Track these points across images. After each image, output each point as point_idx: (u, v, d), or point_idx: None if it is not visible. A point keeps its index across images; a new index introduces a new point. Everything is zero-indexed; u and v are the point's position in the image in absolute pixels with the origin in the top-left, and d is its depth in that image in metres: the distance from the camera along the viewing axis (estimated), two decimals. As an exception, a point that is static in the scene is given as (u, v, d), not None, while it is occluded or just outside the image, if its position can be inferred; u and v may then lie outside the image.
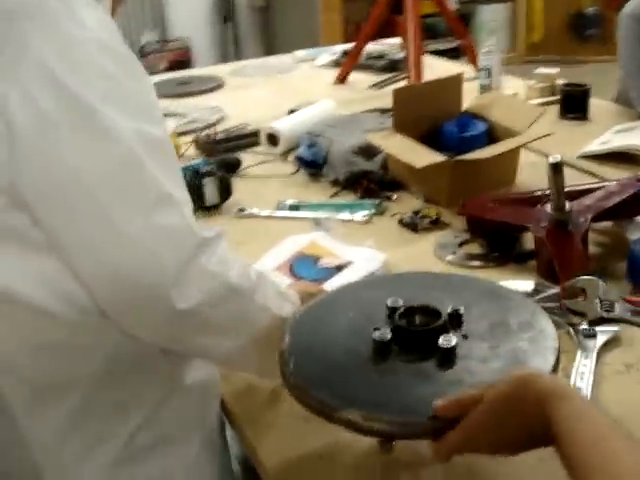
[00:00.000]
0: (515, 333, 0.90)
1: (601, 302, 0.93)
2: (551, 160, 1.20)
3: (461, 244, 1.45)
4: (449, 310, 0.91)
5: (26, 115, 0.84)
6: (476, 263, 1.39)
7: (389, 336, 0.88)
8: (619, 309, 0.92)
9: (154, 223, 0.86)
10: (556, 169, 1.21)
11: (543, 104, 2.30)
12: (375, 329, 0.90)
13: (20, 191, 0.87)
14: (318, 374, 0.87)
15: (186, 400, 1.05)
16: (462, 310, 0.91)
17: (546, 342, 0.87)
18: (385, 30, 3.01)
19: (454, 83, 1.82)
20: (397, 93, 1.69)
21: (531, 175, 1.73)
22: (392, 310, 0.92)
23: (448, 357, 0.86)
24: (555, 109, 2.24)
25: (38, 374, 0.97)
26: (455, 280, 1.08)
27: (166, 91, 2.83)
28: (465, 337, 0.90)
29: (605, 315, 0.90)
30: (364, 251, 1.38)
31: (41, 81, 0.84)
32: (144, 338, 0.94)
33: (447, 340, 0.87)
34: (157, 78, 3.10)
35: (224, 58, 6.35)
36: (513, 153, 1.70)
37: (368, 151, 1.74)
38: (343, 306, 1.00)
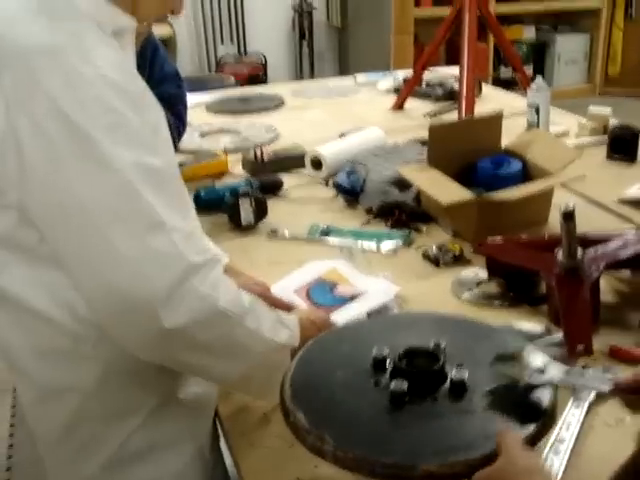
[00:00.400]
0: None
1: (531, 367, 0.94)
2: (563, 209, 1.22)
3: (479, 282, 1.47)
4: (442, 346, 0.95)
5: (35, 144, 0.93)
6: (491, 302, 1.41)
7: (405, 386, 0.91)
8: (551, 371, 0.93)
9: (146, 247, 0.94)
10: (568, 218, 1.23)
11: (592, 144, 2.30)
12: (378, 375, 0.94)
13: (28, 210, 0.97)
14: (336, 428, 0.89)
15: (180, 412, 1.13)
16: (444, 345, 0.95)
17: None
18: (453, 56, 3.01)
19: (494, 121, 1.84)
20: (433, 130, 1.73)
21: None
22: (398, 358, 0.95)
23: (460, 389, 0.91)
24: (604, 150, 2.23)
25: (42, 377, 1.08)
26: (450, 321, 1.11)
27: (227, 107, 2.92)
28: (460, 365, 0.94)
29: (533, 381, 0.92)
30: (379, 282, 1.42)
31: (49, 114, 0.92)
32: (135, 353, 1.01)
33: (459, 373, 0.91)
34: (222, 94, 3.20)
35: (299, 75, 6.46)
36: (546, 193, 1.71)
37: (403, 182, 1.77)
38: (348, 344, 1.04)
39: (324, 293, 1.41)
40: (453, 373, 0.92)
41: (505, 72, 5.98)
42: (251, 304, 1.06)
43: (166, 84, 2.09)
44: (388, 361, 0.95)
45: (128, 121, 0.96)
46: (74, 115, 0.92)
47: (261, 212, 1.77)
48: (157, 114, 1.07)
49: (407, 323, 1.12)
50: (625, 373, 1.12)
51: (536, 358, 0.96)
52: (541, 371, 0.92)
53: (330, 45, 6.64)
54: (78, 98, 0.93)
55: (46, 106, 0.92)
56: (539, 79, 2.30)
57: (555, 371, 0.93)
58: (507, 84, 4.56)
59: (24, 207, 0.97)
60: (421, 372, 0.93)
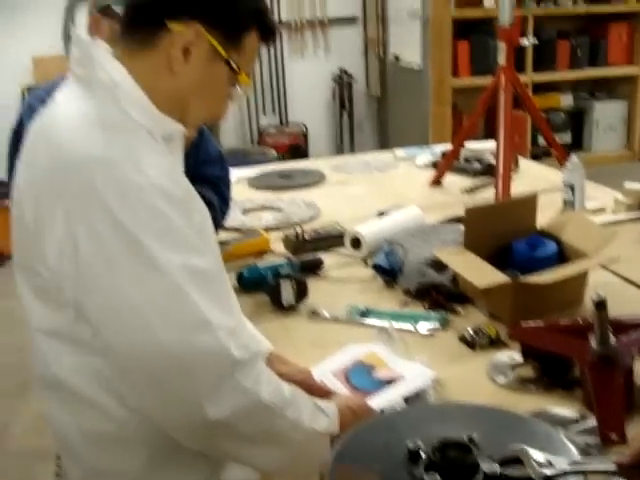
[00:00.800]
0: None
1: (538, 463, 0.97)
2: (594, 298, 1.26)
3: (514, 366, 1.50)
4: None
5: (90, 248, 1.02)
6: (526, 387, 1.44)
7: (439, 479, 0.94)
8: (557, 464, 0.96)
9: (193, 345, 1.02)
10: (600, 307, 1.26)
11: (628, 220, 2.33)
12: (412, 467, 0.97)
13: (83, 307, 1.06)
14: None
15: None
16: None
17: None
18: (492, 126, 3.06)
19: (529, 202, 1.88)
20: (469, 213, 1.78)
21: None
22: (432, 451, 0.98)
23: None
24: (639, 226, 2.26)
25: (90, 459, 1.16)
26: (483, 412, 1.14)
27: (268, 183, 3.01)
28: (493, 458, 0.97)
29: (547, 473, 0.95)
30: (416, 367, 1.45)
31: (105, 221, 1.01)
32: (180, 441, 1.07)
33: (492, 467, 0.94)
34: (263, 169, 3.29)
35: (339, 144, 6.58)
36: (580, 275, 1.74)
37: (440, 263, 1.82)
38: (384, 436, 1.07)
39: (362, 376, 1.45)
40: (486, 466, 0.95)
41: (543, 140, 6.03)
42: (291, 394, 1.12)
43: (211, 166, 2.17)
44: (422, 453, 0.98)
45: (176, 226, 1.04)
46: (127, 222, 1.01)
47: (302, 293, 1.82)
48: (202, 214, 1.15)
49: (440, 414, 1.15)
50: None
51: (537, 456, 0.98)
52: (549, 465, 0.95)
53: (369, 114, 6.77)
54: (131, 206, 1.01)
55: (102, 214, 1.01)
56: (574, 158, 2.34)
57: (560, 462, 0.95)
58: (547, 151, 4.60)
59: (79, 305, 1.05)
60: (454, 465, 0.96)
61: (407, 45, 5.85)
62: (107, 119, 1.09)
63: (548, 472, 0.94)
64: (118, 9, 1.84)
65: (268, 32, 1.24)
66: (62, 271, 1.05)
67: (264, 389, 1.07)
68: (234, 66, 1.19)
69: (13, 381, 3.51)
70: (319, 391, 1.31)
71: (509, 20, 2.61)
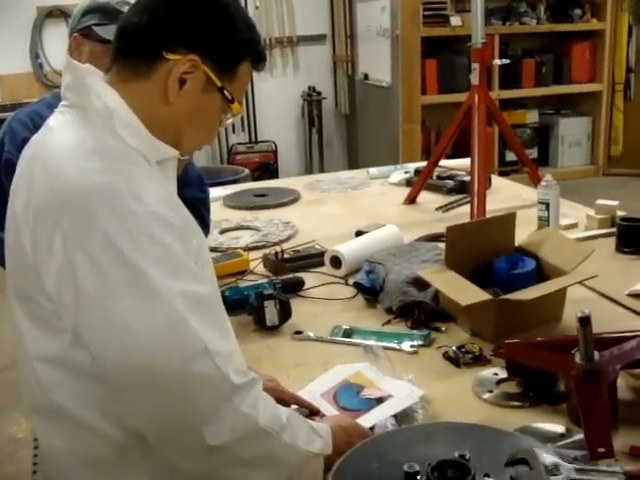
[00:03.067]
0: None
1: (546, 469, 0.99)
2: (579, 315, 1.28)
3: (499, 382, 1.52)
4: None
5: (90, 275, 1.03)
6: (511, 403, 1.46)
7: None
8: (564, 471, 0.98)
9: (191, 371, 1.02)
10: (584, 323, 1.29)
11: (600, 235, 2.38)
12: None
13: (81, 333, 1.06)
14: None
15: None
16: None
17: None
18: (461, 142, 3.11)
19: (508, 221, 1.91)
20: (450, 231, 1.81)
21: (581, 311, 1.80)
22: (430, 471, 1.00)
23: None
24: (613, 241, 2.30)
25: None
26: (471, 430, 1.16)
27: (244, 202, 3.01)
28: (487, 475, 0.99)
29: None
30: (404, 385, 1.47)
31: (104, 249, 1.02)
32: (179, 466, 1.07)
33: None
34: (237, 187, 3.30)
35: (308, 161, 6.61)
36: (560, 292, 1.77)
37: (421, 282, 1.84)
38: (377, 460, 1.08)
39: (351, 396, 1.47)
40: None
41: (510, 155, 6.10)
42: (287, 418, 1.13)
43: (190, 188, 2.18)
44: (419, 476, 1.00)
45: (175, 253, 1.05)
46: (126, 250, 1.02)
47: (286, 314, 1.83)
48: (198, 237, 1.17)
49: (427, 434, 1.17)
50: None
51: (547, 458, 1.00)
52: (555, 470, 0.97)
53: (339, 132, 6.83)
54: (130, 234, 1.02)
55: (101, 242, 1.01)
56: (548, 177, 2.38)
57: (568, 471, 0.97)
58: (515, 168, 4.66)
59: (78, 331, 1.06)
60: None
61: (376, 63, 5.91)
62: (103, 146, 1.10)
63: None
64: (100, 31, 1.85)
65: (260, 60, 1.26)
66: (61, 299, 1.05)
67: (262, 414, 1.08)
68: (228, 96, 1.21)
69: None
70: (290, 398, 1.38)
71: (482, 41, 2.65)
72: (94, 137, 1.11)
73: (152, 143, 1.16)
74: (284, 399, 1.36)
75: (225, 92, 1.21)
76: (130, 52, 1.19)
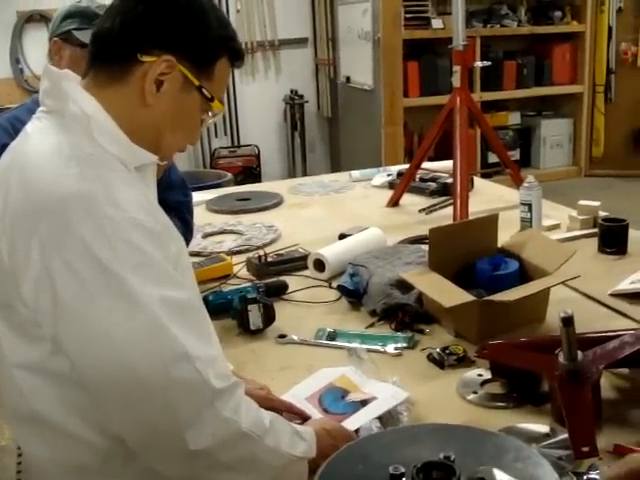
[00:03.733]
0: None
1: None
2: (562, 315, 1.29)
3: (483, 383, 1.53)
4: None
5: (68, 282, 1.02)
6: (496, 403, 1.47)
7: None
8: None
9: (172, 377, 1.02)
10: (567, 323, 1.29)
11: (583, 236, 2.39)
12: None
13: (60, 341, 1.05)
14: None
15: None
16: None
17: None
18: (443, 144, 3.12)
19: (490, 223, 1.92)
20: (433, 233, 1.81)
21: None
22: (415, 473, 1.00)
23: None
24: (595, 242, 2.31)
25: None
26: (455, 430, 1.16)
27: (226, 206, 3.01)
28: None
29: None
30: (389, 388, 1.47)
31: (81, 256, 1.02)
32: (161, 471, 1.07)
33: None
34: (220, 192, 3.29)
35: (291, 164, 6.61)
36: (543, 292, 1.78)
37: (405, 284, 1.84)
38: (362, 463, 1.08)
39: (336, 399, 1.46)
40: None
41: (493, 156, 6.12)
42: (270, 422, 1.13)
43: (173, 192, 2.17)
44: (405, 478, 1.00)
45: (153, 259, 1.05)
46: (104, 257, 1.01)
47: (270, 317, 1.83)
48: (177, 243, 1.16)
49: (412, 436, 1.16)
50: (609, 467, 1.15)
51: (502, 476, 1.00)
52: None
53: (321, 135, 6.83)
54: (107, 241, 1.02)
55: (78, 249, 1.01)
56: (531, 178, 2.40)
57: None
58: (498, 170, 4.69)
59: (57, 338, 1.05)
60: None
61: (358, 66, 5.92)
62: (81, 152, 1.09)
63: None
64: (80, 35, 1.84)
65: (238, 57, 1.26)
66: (39, 306, 1.05)
67: (244, 418, 1.08)
68: (207, 94, 1.21)
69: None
70: (281, 406, 1.37)
71: (463, 43, 2.66)
72: (71, 143, 1.10)
73: (130, 148, 1.16)
74: (275, 407, 1.34)
75: (204, 91, 1.21)
76: (105, 57, 1.19)
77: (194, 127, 1.26)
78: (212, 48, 1.22)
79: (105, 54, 1.19)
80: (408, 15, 5.80)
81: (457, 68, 2.67)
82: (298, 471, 1.15)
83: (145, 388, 1.01)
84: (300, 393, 1.50)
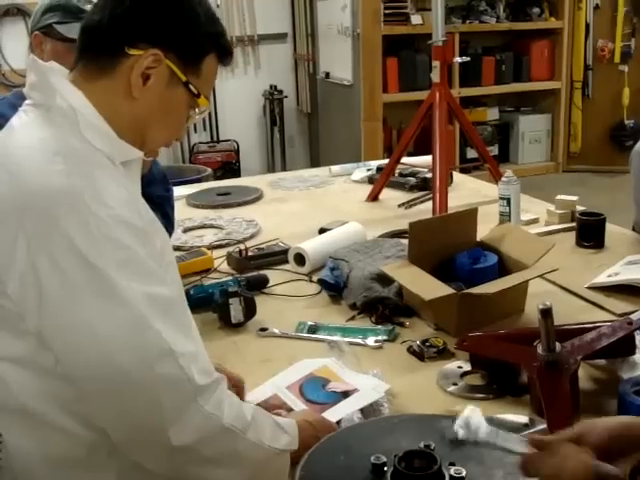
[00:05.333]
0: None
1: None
2: (541, 307, 1.31)
3: (463, 375, 1.54)
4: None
5: (52, 278, 1.02)
6: (476, 395, 1.48)
7: None
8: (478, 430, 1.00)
9: (156, 373, 1.03)
10: (546, 315, 1.31)
11: (561, 230, 2.42)
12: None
13: (45, 336, 1.06)
14: None
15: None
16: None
17: None
18: (423, 139, 3.14)
19: (470, 217, 1.94)
20: (413, 227, 1.82)
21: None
22: (397, 462, 1.01)
23: None
24: (573, 236, 2.34)
25: None
26: (435, 420, 1.18)
27: (206, 201, 3.01)
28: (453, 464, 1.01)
29: (460, 437, 1.00)
30: (369, 379, 1.48)
31: (66, 252, 1.02)
32: (145, 466, 1.08)
33: (457, 471, 0.98)
34: (200, 186, 3.29)
35: (270, 159, 6.61)
36: (521, 285, 1.80)
37: (385, 278, 1.85)
38: (344, 453, 1.10)
39: (317, 389, 1.47)
40: (451, 472, 0.98)
41: (471, 152, 6.16)
42: (252, 416, 1.14)
43: (154, 186, 2.17)
44: (386, 467, 1.01)
45: (138, 256, 1.06)
46: (89, 253, 1.02)
47: (251, 311, 1.83)
48: (162, 238, 1.17)
49: (392, 426, 1.19)
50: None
51: (474, 415, 1.02)
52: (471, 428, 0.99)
53: (300, 130, 6.83)
54: (92, 238, 1.03)
55: (63, 244, 1.01)
56: (509, 172, 2.42)
57: (480, 431, 0.99)
58: (476, 165, 4.72)
59: (42, 334, 1.06)
60: (420, 474, 0.99)
61: (337, 62, 5.93)
62: (67, 147, 1.09)
63: (460, 437, 0.99)
64: (61, 29, 1.83)
65: (226, 54, 1.26)
66: (23, 301, 1.05)
67: (226, 413, 1.08)
68: (194, 90, 1.21)
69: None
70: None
71: (442, 39, 2.68)
72: (58, 138, 1.10)
73: (117, 143, 1.16)
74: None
75: (190, 86, 1.21)
76: (93, 50, 1.19)
77: (180, 122, 1.27)
78: (200, 44, 1.22)
79: (93, 46, 1.19)
80: (387, 11, 5.81)
81: (436, 64, 2.69)
82: (280, 463, 1.16)
83: (129, 384, 1.02)
84: (281, 382, 1.51)
